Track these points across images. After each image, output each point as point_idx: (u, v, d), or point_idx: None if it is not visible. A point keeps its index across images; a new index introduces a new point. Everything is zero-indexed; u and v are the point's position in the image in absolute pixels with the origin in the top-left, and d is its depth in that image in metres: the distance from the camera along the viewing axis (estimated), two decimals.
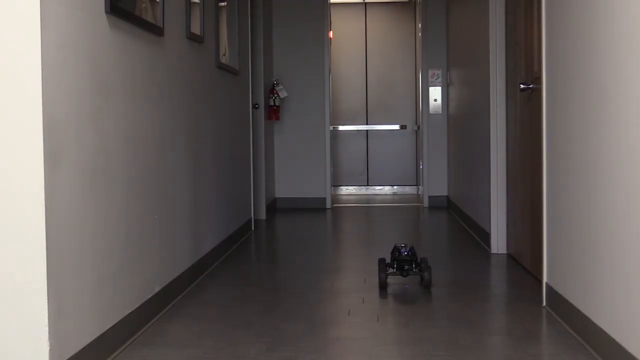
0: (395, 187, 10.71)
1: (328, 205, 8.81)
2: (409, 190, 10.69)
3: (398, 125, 10.64)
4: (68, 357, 2.82)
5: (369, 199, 10.05)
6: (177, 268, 4.35)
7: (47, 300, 2.66)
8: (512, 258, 5.42)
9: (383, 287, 4.49)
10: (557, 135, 3.87)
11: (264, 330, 3.64)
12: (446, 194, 8.87)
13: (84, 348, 2.96)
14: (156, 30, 3.92)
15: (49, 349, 2.67)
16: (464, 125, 7.29)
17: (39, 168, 2.63)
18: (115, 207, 3.34)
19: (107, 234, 3.24)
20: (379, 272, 4.50)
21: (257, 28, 7.72)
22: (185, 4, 4.62)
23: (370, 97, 10.82)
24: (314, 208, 8.77)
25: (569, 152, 3.64)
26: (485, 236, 5.92)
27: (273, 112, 8.28)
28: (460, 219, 7.57)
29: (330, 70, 8.82)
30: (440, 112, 8.86)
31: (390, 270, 4.78)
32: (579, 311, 3.48)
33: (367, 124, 10.78)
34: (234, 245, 6.12)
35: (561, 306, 3.78)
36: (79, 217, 2.93)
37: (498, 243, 5.64)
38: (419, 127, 10.04)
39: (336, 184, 10.74)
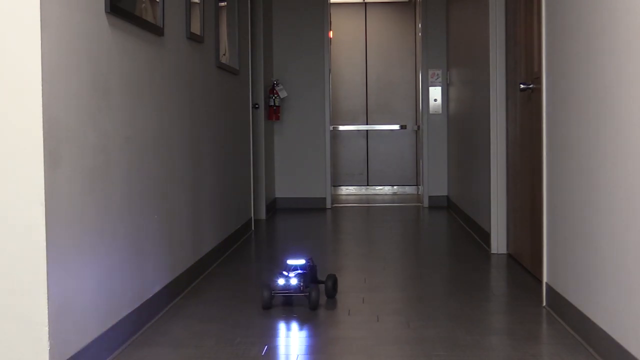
0: (395, 187, 10.71)
1: (328, 205, 8.81)
2: (409, 190, 10.69)
3: (398, 125, 10.64)
4: (68, 357, 2.82)
5: (369, 199, 10.05)
6: (177, 268, 4.35)
7: (47, 300, 2.66)
8: (512, 258, 5.42)
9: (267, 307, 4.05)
10: (557, 135, 3.87)
11: (264, 330, 3.64)
12: (446, 194, 8.87)
13: (84, 348, 2.96)
14: (156, 30, 3.92)
15: (49, 349, 2.67)
16: (464, 125, 7.29)
17: (39, 168, 2.63)
18: (115, 207, 3.34)
19: (107, 234, 3.24)
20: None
21: (257, 28, 7.72)
22: (185, 4, 4.62)
23: (370, 97, 10.82)
24: (314, 208, 8.77)
25: (569, 152, 3.64)
26: (485, 236, 5.92)
27: (273, 112, 8.28)
28: (460, 219, 7.57)
29: (330, 70, 8.82)
30: (440, 112, 8.86)
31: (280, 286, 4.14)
32: (579, 311, 3.49)
33: (367, 124, 10.78)
34: (234, 245, 6.12)
35: (561, 306, 3.78)
36: (78, 217, 2.93)
37: (498, 243, 5.64)
38: (419, 127, 10.05)
39: (336, 184, 10.74)
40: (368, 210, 8.72)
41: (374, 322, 3.79)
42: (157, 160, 3.98)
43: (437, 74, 8.85)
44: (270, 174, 8.47)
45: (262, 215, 7.85)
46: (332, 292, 4.23)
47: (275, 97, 8.28)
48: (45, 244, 2.65)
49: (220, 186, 5.65)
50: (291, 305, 4.09)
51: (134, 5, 3.56)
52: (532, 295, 4.30)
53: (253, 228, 7.13)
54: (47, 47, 2.67)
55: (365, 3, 10.74)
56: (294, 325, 3.73)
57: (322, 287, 4.53)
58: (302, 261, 4.18)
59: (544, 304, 4.08)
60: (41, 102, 2.62)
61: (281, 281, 4.08)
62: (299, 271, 4.13)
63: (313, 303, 3.99)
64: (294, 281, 4.06)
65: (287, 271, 4.13)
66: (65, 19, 2.83)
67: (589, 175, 3.33)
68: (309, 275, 4.18)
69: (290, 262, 4.18)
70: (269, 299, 4.00)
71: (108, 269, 3.25)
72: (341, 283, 4.69)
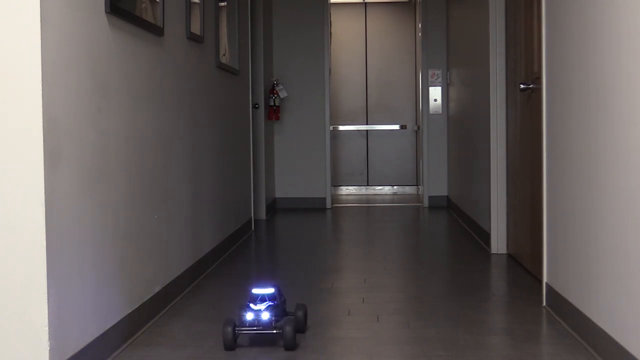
0: (395, 187, 10.71)
1: (328, 205, 8.81)
2: (409, 190, 10.69)
3: (398, 125, 10.64)
4: (68, 357, 2.82)
5: (369, 199, 10.05)
6: (177, 268, 4.35)
7: (47, 300, 2.66)
8: (512, 258, 5.42)
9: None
10: (557, 135, 3.87)
11: None
12: (446, 194, 8.87)
13: (84, 348, 2.96)
14: (156, 30, 3.92)
15: (49, 349, 2.67)
16: (464, 125, 7.29)
17: (39, 168, 2.63)
18: (115, 207, 3.34)
19: (107, 234, 3.24)
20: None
21: (257, 28, 7.72)
22: (185, 4, 4.62)
23: (370, 97, 10.81)
24: (313, 208, 8.77)
25: (569, 152, 3.64)
26: (485, 236, 5.92)
27: (273, 112, 8.28)
28: (460, 219, 7.57)
29: (330, 70, 8.82)
30: (440, 112, 8.86)
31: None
32: (579, 311, 3.49)
33: (367, 124, 10.78)
34: (234, 245, 6.12)
35: (561, 306, 3.78)
36: (78, 217, 2.93)
37: (498, 243, 5.64)
38: (419, 127, 10.05)
39: (336, 184, 10.73)
40: (368, 210, 8.72)
41: (374, 322, 3.79)
42: (157, 160, 3.98)
43: (437, 74, 8.85)
44: (270, 174, 8.47)
45: (262, 215, 7.85)
46: (302, 325, 3.56)
47: (275, 97, 8.28)
48: (45, 243, 2.65)
49: (220, 186, 5.65)
50: (261, 346, 3.40)
51: (134, 5, 3.56)
52: (532, 295, 4.30)
53: (253, 228, 7.14)
54: (47, 47, 2.67)
55: (365, 3, 10.74)
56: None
57: None
58: (270, 290, 3.45)
59: (544, 304, 4.08)
60: (41, 102, 2.62)
61: (249, 315, 3.38)
62: (269, 302, 3.41)
63: (289, 341, 3.29)
64: (265, 315, 3.37)
65: (253, 302, 3.41)
66: (65, 19, 2.83)
67: (589, 175, 3.33)
68: (280, 307, 3.46)
69: (256, 291, 3.45)
70: (232, 338, 3.30)
71: (108, 269, 3.25)
72: (341, 283, 4.70)
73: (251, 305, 3.40)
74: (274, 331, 3.35)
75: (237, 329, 3.34)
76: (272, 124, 8.62)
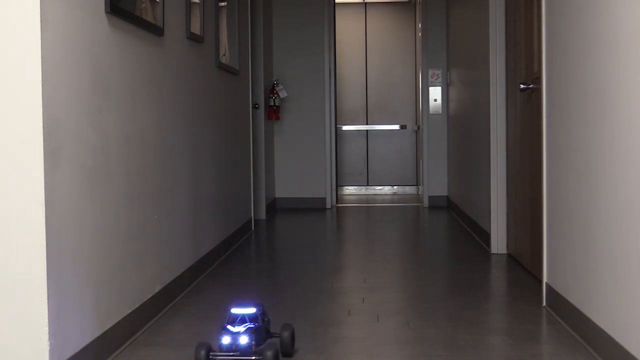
0: (395, 187, 10.71)
1: (328, 205, 8.81)
2: (409, 190, 10.69)
3: (398, 125, 10.64)
4: (68, 357, 2.82)
5: (369, 199, 10.05)
6: (177, 268, 4.35)
7: (47, 300, 2.66)
8: (512, 258, 5.42)
9: None
10: (557, 135, 3.87)
11: None
12: (446, 194, 8.87)
13: (84, 348, 2.96)
14: (156, 30, 3.92)
15: (49, 349, 2.67)
16: (464, 125, 7.29)
17: (39, 168, 2.63)
18: (115, 207, 3.34)
19: (107, 234, 3.24)
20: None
21: (257, 28, 7.72)
22: (185, 4, 4.62)
23: (370, 97, 10.82)
24: (314, 208, 8.77)
25: (569, 152, 3.64)
26: (485, 236, 5.92)
27: (273, 112, 8.28)
28: (460, 219, 7.57)
29: (332, 69, 8.82)
30: (440, 112, 8.86)
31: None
32: (579, 311, 3.49)
33: (367, 124, 10.78)
34: (234, 245, 6.12)
35: (561, 306, 3.78)
36: (78, 217, 2.93)
37: (498, 243, 5.64)
38: (419, 127, 10.05)
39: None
40: (368, 210, 8.72)
41: (374, 322, 3.79)
42: (157, 160, 3.98)
43: (437, 74, 8.85)
44: (270, 174, 8.47)
45: (262, 215, 7.85)
46: (289, 347, 3.21)
47: (275, 97, 8.28)
48: (45, 243, 2.65)
49: (220, 186, 5.65)
50: None
51: (134, 5, 3.56)
52: (532, 295, 4.30)
53: (253, 228, 7.13)
54: (47, 47, 2.67)
55: (365, 3, 10.74)
56: (295, 325, 3.73)
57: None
58: (251, 310, 3.12)
59: (544, 304, 4.08)
60: (41, 102, 2.62)
61: (226, 339, 3.01)
62: (249, 324, 3.08)
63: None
64: (243, 339, 3.00)
65: (232, 324, 3.08)
66: (65, 19, 2.83)
67: (589, 175, 3.33)
68: (262, 329, 3.13)
69: (235, 311, 3.12)
70: None
71: (108, 269, 3.25)
72: (342, 283, 4.70)
73: (229, 327, 3.05)
74: (253, 357, 2.98)
75: (211, 353, 2.98)
76: (272, 124, 8.62)
